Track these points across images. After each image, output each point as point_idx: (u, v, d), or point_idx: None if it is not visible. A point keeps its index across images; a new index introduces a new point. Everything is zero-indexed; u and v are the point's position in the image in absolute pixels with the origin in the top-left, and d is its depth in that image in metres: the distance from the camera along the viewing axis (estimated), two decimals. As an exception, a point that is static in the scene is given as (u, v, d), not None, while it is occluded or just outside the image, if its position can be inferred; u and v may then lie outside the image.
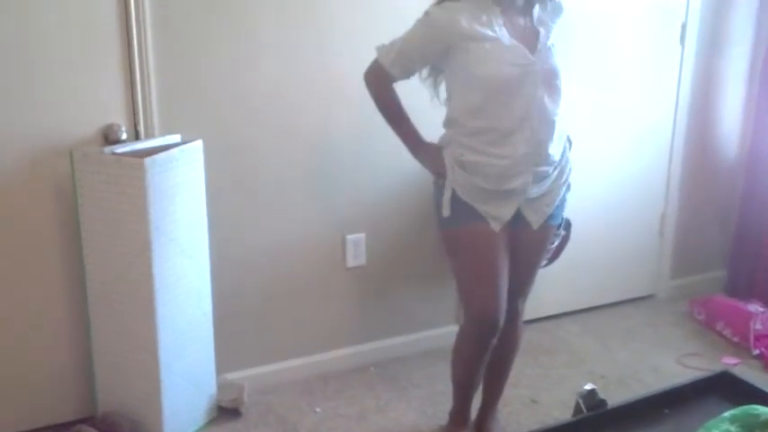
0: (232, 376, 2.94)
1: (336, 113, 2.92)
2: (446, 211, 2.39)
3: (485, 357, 2.54)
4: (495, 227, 2.36)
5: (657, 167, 3.71)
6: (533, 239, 2.43)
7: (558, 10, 2.35)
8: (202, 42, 2.64)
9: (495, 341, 2.49)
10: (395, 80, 2.40)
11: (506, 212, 2.36)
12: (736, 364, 3.21)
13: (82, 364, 2.67)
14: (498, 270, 2.41)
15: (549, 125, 2.30)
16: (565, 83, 2.32)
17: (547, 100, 2.28)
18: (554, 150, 2.33)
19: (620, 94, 3.43)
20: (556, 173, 2.38)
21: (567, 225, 2.58)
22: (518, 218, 2.38)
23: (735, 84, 3.74)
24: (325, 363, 3.15)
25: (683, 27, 3.54)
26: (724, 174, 3.86)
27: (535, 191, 2.35)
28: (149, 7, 2.51)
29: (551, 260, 2.67)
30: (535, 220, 2.40)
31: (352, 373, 3.16)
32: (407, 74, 2.39)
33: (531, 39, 2.28)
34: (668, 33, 3.54)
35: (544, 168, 2.33)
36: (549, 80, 2.28)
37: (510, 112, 2.28)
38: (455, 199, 2.37)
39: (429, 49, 2.34)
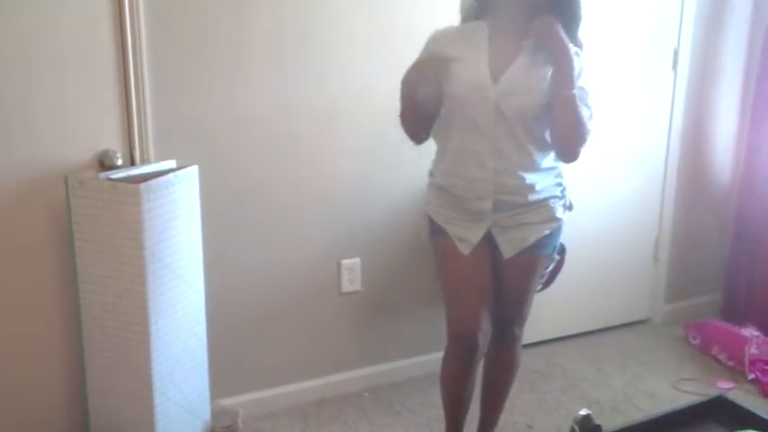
0: (227, 402, 2.93)
1: (332, 139, 2.93)
2: (423, 235, 2.51)
3: (469, 378, 2.54)
4: (464, 250, 2.38)
5: (651, 192, 3.73)
6: (514, 267, 2.42)
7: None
8: (198, 68, 2.66)
9: (476, 360, 2.49)
10: None
11: (473, 236, 2.37)
12: (731, 389, 3.20)
13: (75, 389, 2.65)
14: (473, 289, 2.41)
15: (507, 156, 2.29)
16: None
17: (504, 129, 2.26)
18: (520, 183, 2.31)
19: (613, 119, 3.45)
20: (531, 209, 2.36)
21: (562, 250, 2.59)
22: (495, 244, 2.40)
23: (727, 109, 3.77)
24: (320, 388, 3.14)
25: (676, 53, 3.57)
26: (717, 198, 3.88)
27: (506, 218, 2.35)
28: (145, 34, 2.52)
29: (546, 285, 2.67)
30: (506, 250, 2.38)
31: (346, 398, 3.15)
32: None
33: (504, 68, 2.26)
34: (661, 59, 3.57)
35: (509, 198, 2.33)
36: (505, 112, 2.24)
37: (464, 133, 2.31)
38: (430, 219, 2.45)
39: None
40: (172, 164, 2.60)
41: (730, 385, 3.26)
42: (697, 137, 3.75)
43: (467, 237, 2.38)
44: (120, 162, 2.55)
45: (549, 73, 2.25)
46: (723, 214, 3.89)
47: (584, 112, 2.28)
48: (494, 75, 2.25)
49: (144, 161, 2.60)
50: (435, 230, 2.46)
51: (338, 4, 2.81)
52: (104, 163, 2.53)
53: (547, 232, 2.39)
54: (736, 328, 3.55)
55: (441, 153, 2.44)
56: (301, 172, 2.91)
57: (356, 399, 3.16)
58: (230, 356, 2.91)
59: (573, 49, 2.25)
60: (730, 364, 3.42)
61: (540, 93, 2.25)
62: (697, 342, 3.61)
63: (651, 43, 3.52)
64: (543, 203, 2.37)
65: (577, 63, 2.26)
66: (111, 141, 2.56)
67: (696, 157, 3.78)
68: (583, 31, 2.35)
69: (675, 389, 3.25)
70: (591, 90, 2.32)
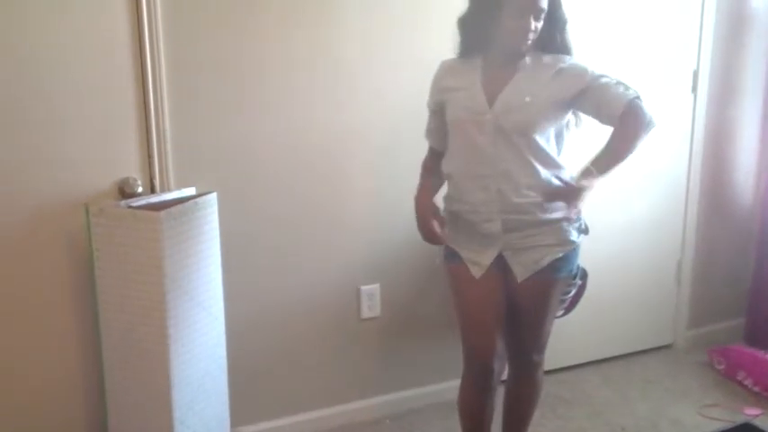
0: (247, 430, 2.92)
1: (349, 165, 2.94)
2: (438, 260, 2.53)
3: (487, 404, 2.52)
4: (476, 272, 2.38)
5: (673, 215, 3.70)
6: (529, 291, 2.40)
7: (556, 61, 2.30)
8: (217, 97, 2.67)
9: (493, 386, 2.48)
10: (435, 150, 2.51)
11: (485, 259, 2.38)
12: (757, 415, 3.15)
13: (95, 416, 2.65)
14: (487, 314, 2.41)
15: (510, 175, 2.29)
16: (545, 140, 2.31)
17: (505, 148, 2.28)
18: (526, 201, 2.30)
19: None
20: (543, 231, 2.34)
21: (584, 275, 2.56)
22: (508, 268, 2.39)
23: (748, 131, 3.74)
24: (341, 415, 3.12)
25: (695, 75, 3.55)
26: (740, 221, 3.84)
27: (517, 240, 2.34)
28: (165, 63, 2.55)
29: (567, 311, 2.65)
30: (519, 272, 2.37)
31: (367, 425, 3.13)
32: (438, 139, 2.47)
33: (500, 90, 2.29)
34: (680, 82, 3.55)
35: (517, 217, 2.32)
36: (507, 132, 2.26)
37: (465, 157, 2.35)
38: (445, 245, 2.47)
39: (433, 102, 2.46)
40: (191, 191, 2.61)
41: (757, 411, 3.21)
42: (718, 159, 3.72)
43: (478, 260, 2.39)
44: (140, 189, 2.56)
45: (544, 86, 2.27)
46: (746, 237, 3.85)
47: (619, 90, 2.26)
48: (489, 99, 2.28)
49: (164, 189, 2.61)
50: (449, 255, 2.47)
51: (351, 30, 2.82)
52: (125, 190, 2.55)
53: (560, 255, 2.37)
54: (762, 352, 3.50)
55: (447, 179, 2.47)
56: (320, 198, 2.91)
57: (377, 426, 3.13)
58: (250, 384, 2.90)
59: (564, 63, 2.31)
60: (756, 389, 3.37)
61: (536, 107, 2.26)
62: (722, 367, 3.56)
63: (670, 66, 3.50)
64: (556, 225, 2.36)
65: (581, 78, 2.29)
66: (131, 169, 2.57)
67: (718, 180, 3.75)
68: (573, 34, 2.37)
69: (701, 415, 3.20)
70: (608, 73, 2.32)
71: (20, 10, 2.34)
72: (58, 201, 2.49)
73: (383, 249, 3.07)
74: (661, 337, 3.84)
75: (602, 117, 2.29)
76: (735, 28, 3.59)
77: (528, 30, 2.22)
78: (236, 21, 2.65)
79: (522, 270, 2.37)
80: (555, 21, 2.29)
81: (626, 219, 3.54)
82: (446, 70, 2.43)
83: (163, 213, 2.34)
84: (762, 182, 3.78)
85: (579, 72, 2.29)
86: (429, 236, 2.39)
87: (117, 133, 2.54)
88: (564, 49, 2.33)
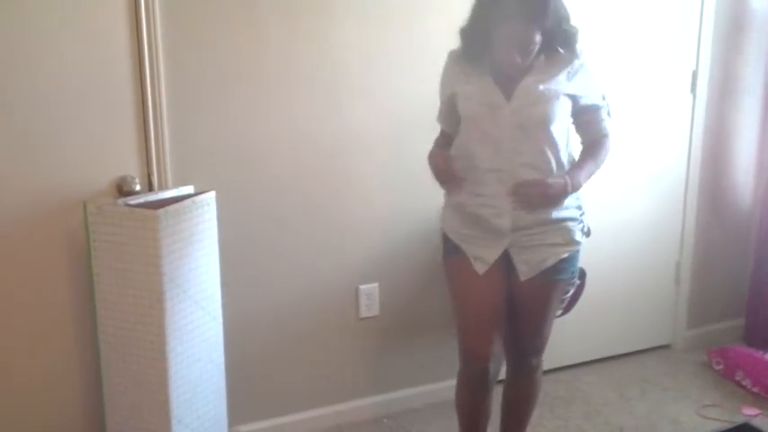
0: (245, 429, 2.92)
1: (348, 165, 2.93)
2: (439, 257, 2.51)
3: (483, 404, 2.52)
4: (480, 269, 2.36)
5: (671, 216, 3.69)
6: (530, 292, 2.39)
7: (571, 56, 2.29)
8: (215, 96, 2.67)
9: (488, 386, 2.48)
10: (446, 132, 2.49)
11: (490, 255, 2.35)
12: (756, 416, 3.15)
13: (93, 415, 2.65)
14: (486, 314, 2.40)
15: (523, 170, 2.28)
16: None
17: (519, 145, 2.26)
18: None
19: (632, 143, 3.43)
20: (550, 230, 2.34)
21: (582, 275, 2.56)
22: (512, 266, 2.37)
23: (747, 131, 3.74)
24: (339, 414, 3.12)
25: (694, 75, 3.55)
26: (738, 221, 3.84)
27: (524, 237, 2.33)
28: (163, 62, 2.54)
29: (566, 311, 2.64)
30: (523, 272, 2.36)
31: (365, 424, 3.12)
32: (450, 124, 2.45)
33: (516, 83, 2.27)
34: (679, 82, 3.55)
35: (528, 215, 2.31)
36: (525, 126, 2.25)
37: (480, 150, 2.31)
38: (446, 237, 2.45)
39: (445, 94, 2.42)
40: (189, 189, 2.61)
41: (755, 412, 3.21)
42: (717, 159, 3.72)
43: (483, 255, 2.36)
44: (138, 188, 2.56)
45: (561, 77, 2.27)
46: (745, 237, 3.85)
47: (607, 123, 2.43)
48: (506, 93, 2.26)
49: (162, 187, 2.61)
50: (450, 249, 2.44)
51: (351, 31, 2.82)
52: (123, 189, 2.54)
53: (565, 255, 2.36)
54: (761, 353, 3.49)
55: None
56: (318, 198, 2.91)
57: (375, 425, 3.13)
58: (248, 383, 2.90)
59: (579, 60, 2.31)
60: (755, 390, 3.36)
61: (551, 97, 2.25)
62: (720, 367, 3.56)
63: (669, 67, 3.50)
64: (563, 224, 2.35)
65: (591, 93, 2.33)
66: (129, 167, 2.57)
67: (716, 180, 3.75)
68: (586, 43, 2.36)
69: (699, 415, 3.20)
70: (602, 88, 2.38)
71: (19, 8, 2.33)
72: (55, 199, 2.48)
73: (382, 249, 3.07)
74: (660, 337, 3.84)
75: (584, 134, 2.43)
76: (734, 29, 3.59)
77: (514, 62, 2.20)
78: (235, 19, 2.64)
79: (526, 269, 2.35)
80: (557, 35, 2.25)
81: (625, 219, 3.54)
82: (455, 61, 2.37)
83: (161, 212, 2.33)
84: (760, 182, 3.78)
85: (592, 86, 2.34)
86: (447, 177, 2.33)
87: (115, 131, 2.54)
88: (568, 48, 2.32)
